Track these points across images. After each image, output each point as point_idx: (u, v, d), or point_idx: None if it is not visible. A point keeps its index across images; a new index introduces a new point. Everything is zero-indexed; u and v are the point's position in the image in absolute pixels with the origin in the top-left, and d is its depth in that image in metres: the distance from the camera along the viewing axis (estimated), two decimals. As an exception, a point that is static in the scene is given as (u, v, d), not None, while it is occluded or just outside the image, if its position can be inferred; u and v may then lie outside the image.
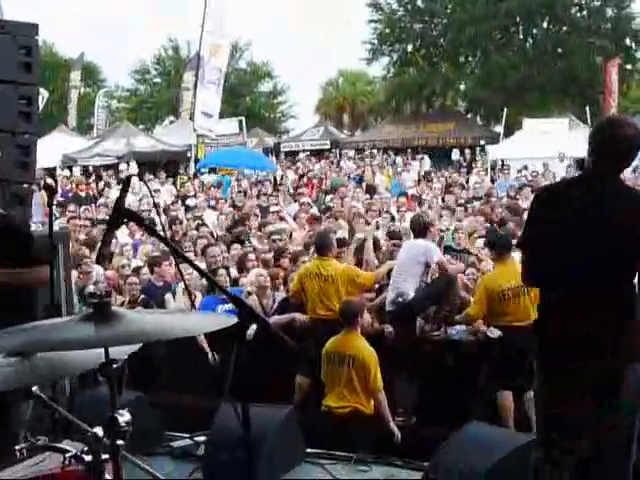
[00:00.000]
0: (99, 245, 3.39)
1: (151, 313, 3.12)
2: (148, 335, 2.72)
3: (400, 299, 9.09)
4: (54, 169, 29.16)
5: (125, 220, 2.97)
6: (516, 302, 8.30)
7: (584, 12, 47.79)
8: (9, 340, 2.77)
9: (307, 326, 9.32)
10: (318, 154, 36.15)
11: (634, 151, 4.24)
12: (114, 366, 2.81)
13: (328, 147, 39.06)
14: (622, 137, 4.18)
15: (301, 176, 25.86)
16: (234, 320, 2.78)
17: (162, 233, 3.65)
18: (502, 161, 28.08)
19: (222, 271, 10.64)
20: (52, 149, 29.71)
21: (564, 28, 47.64)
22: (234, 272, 11.30)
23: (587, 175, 4.46)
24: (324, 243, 9.50)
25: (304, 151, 37.19)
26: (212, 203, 18.80)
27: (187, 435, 7.27)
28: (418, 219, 10.17)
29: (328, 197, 18.99)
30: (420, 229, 9.73)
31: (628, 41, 47.58)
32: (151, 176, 26.31)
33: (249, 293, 10.26)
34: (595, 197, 4.16)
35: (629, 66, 47.31)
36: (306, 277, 9.31)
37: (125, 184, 3.01)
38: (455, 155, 35.03)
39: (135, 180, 25.18)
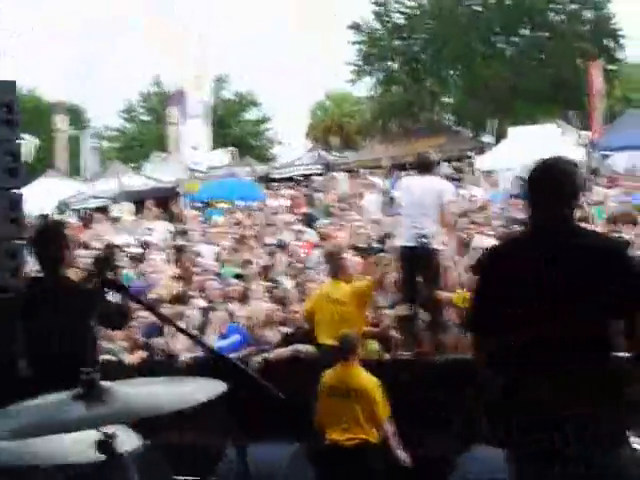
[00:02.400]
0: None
1: (141, 384, 3.06)
2: (139, 412, 2.68)
3: (424, 239, 9.19)
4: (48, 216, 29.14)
5: (111, 291, 2.95)
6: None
7: (562, 16, 48.06)
8: (3, 424, 2.74)
9: (313, 357, 9.32)
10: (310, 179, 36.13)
11: (578, 189, 4.25)
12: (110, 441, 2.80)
13: (320, 171, 39.05)
14: (563, 178, 4.18)
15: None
16: (224, 387, 2.76)
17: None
18: (489, 172, 28.07)
19: (220, 307, 10.67)
20: (43, 195, 29.75)
21: (544, 34, 47.92)
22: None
23: (537, 224, 4.31)
24: (336, 265, 9.59)
25: (296, 177, 37.15)
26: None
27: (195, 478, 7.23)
28: (424, 156, 10.40)
29: (323, 221, 18.99)
30: (426, 165, 9.96)
31: (608, 42, 47.85)
32: (141, 215, 26.27)
33: (250, 327, 10.29)
34: (549, 247, 4.10)
35: (611, 66, 47.56)
36: (320, 299, 9.36)
37: (107, 256, 2.99)
38: (445, 169, 35.01)
39: (128, 218, 25.34)
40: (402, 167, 34.14)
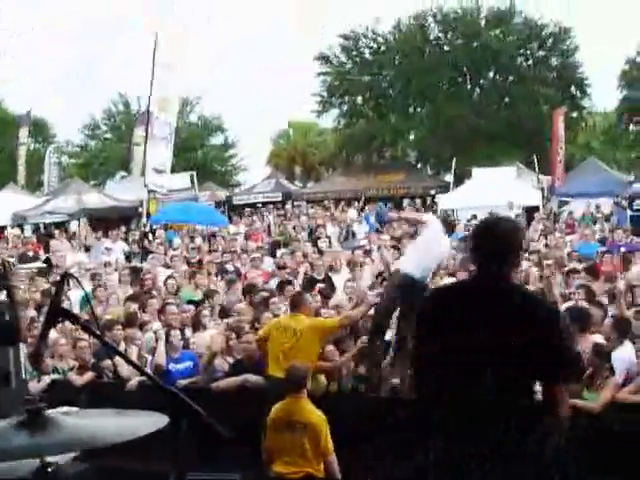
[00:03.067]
0: (35, 344, 3.33)
1: (86, 416, 3.04)
2: (82, 443, 2.66)
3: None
4: (4, 228, 28.96)
5: (61, 319, 2.93)
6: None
7: (530, 62, 48.76)
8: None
9: (262, 388, 9.29)
10: (270, 206, 36.17)
11: (517, 248, 4.32)
12: (49, 470, 2.77)
13: (280, 199, 39.08)
14: (503, 237, 4.27)
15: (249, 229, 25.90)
16: (163, 422, 2.76)
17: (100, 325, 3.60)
18: (453, 211, 28.22)
19: (176, 332, 10.60)
20: (1, 207, 29.51)
21: (510, 78, 48.58)
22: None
23: (476, 279, 4.44)
24: (297, 299, 9.62)
25: (256, 204, 37.17)
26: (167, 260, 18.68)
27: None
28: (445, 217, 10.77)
29: (279, 252, 18.97)
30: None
31: (573, 89, 48.58)
32: (100, 233, 26.14)
33: (204, 358, 10.25)
34: (485, 303, 4.20)
35: (575, 114, 48.26)
36: (275, 329, 9.36)
37: (61, 283, 2.98)
38: (406, 205, 35.22)
39: (90, 239, 25.18)
40: (368, 200, 34.44)
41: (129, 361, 3.19)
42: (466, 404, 4.11)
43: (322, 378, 9.35)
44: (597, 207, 26.76)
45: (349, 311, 10.02)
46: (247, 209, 34.76)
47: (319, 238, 21.07)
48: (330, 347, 9.64)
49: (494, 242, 4.26)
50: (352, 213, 29.63)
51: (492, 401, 4.05)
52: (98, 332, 3.26)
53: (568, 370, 4.23)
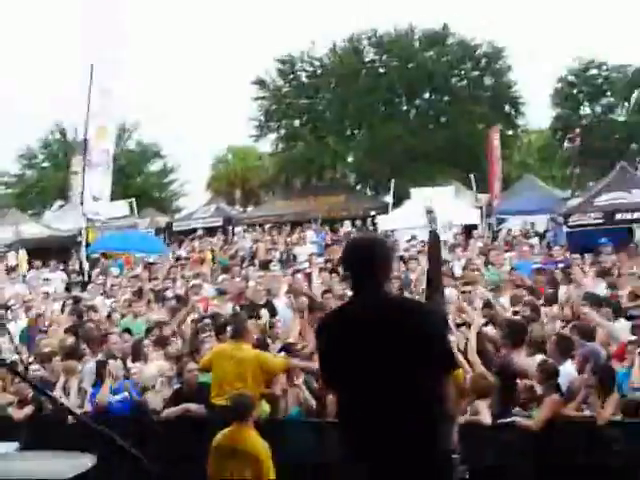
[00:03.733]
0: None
1: (16, 458, 3.01)
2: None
3: None
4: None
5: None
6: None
7: (464, 81, 49.37)
8: None
9: (203, 416, 9.24)
10: (211, 232, 36.05)
11: (387, 261, 4.53)
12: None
13: (220, 224, 38.98)
14: (371, 254, 4.47)
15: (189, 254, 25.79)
16: (89, 464, 2.77)
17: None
18: (392, 231, 28.33)
19: (116, 362, 10.52)
20: None
21: (446, 98, 49.13)
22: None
23: (353, 298, 4.65)
24: (240, 327, 9.55)
25: (196, 229, 37.03)
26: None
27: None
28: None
29: (220, 277, 18.90)
30: None
31: (507, 108, 49.30)
32: (39, 263, 25.88)
33: (145, 389, 10.16)
34: (369, 315, 4.38)
35: (510, 132, 48.97)
36: (219, 356, 9.30)
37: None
38: (346, 227, 35.36)
39: (25, 269, 24.88)
40: (307, 223, 34.50)
41: (55, 402, 3.17)
42: (372, 419, 4.30)
43: (265, 406, 9.30)
44: (532, 224, 27.13)
45: (295, 361, 9.83)
46: (188, 235, 34.64)
47: (266, 261, 21.11)
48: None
49: (362, 259, 4.46)
50: (309, 234, 29.68)
51: (395, 409, 4.26)
52: (23, 373, 3.23)
53: (448, 363, 4.43)
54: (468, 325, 9.71)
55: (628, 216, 21.51)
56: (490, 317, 10.77)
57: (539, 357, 8.81)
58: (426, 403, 4.28)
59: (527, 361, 8.78)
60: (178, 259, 24.73)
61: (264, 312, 13.38)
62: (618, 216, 21.38)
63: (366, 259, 4.45)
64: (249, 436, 7.79)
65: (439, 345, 4.36)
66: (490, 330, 10.15)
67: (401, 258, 19.35)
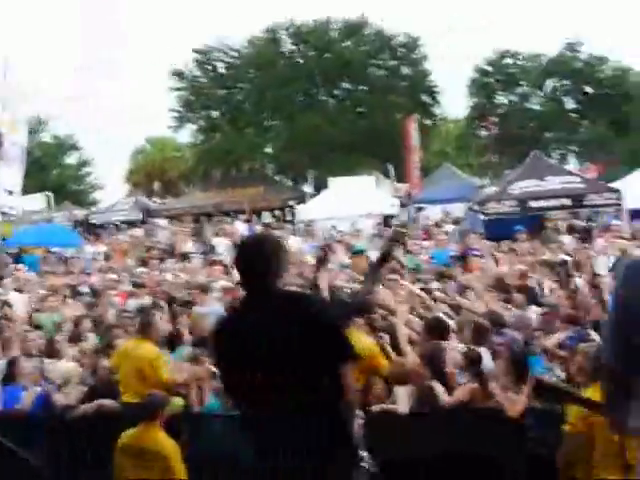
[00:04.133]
0: None
1: None
2: None
3: None
4: None
5: None
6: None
7: (381, 71, 49.65)
8: None
9: (117, 412, 9.10)
10: (130, 225, 35.62)
11: (278, 260, 4.52)
12: None
13: (140, 217, 38.58)
14: (262, 253, 4.49)
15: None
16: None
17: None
18: (311, 221, 28.30)
19: (30, 360, 10.31)
20: None
21: (364, 88, 49.33)
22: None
23: (249, 296, 4.64)
24: (143, 323, 9.37)
25: (114, 222, 36.59)
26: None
27: None
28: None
29: (138, 270, 18.68)
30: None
31: (425, 97, 49.74)
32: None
33: (59, 386, 9.97)
34: (262, 314, 4.40)
35: (428, 121, 49.39)
36: (122, 354, 9.16)
37: None
38: (266, 218, 35.31)
39: None
40: (226, 214, 34.32)
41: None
42: (271, 416, 4.33)
43: (179, 400, 9.16)
44: (447, 213, 27.39)
45: (181, 377, 9.56)
46: (106, 228, 34.23)
47: (185, 254, 20.95)
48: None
49: (253, 258, 4.48)
50: (240, 226, 29.48)
51: (294, 404, 4.27)
52: None
53: (344, 353, 4.40)
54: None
55: (542, 204, 21.82)
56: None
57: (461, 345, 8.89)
58: (325, 395, 4.29)
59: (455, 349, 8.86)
60: (96, 252, 24.40)
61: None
62: (532, 204, 21.68)
63: (257, 259, 4.45)
64: (157, 436, 7.67)
65: (334, 336, 4.37)
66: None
67: (320, 248, 19.30)
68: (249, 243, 4.84)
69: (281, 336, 4.28)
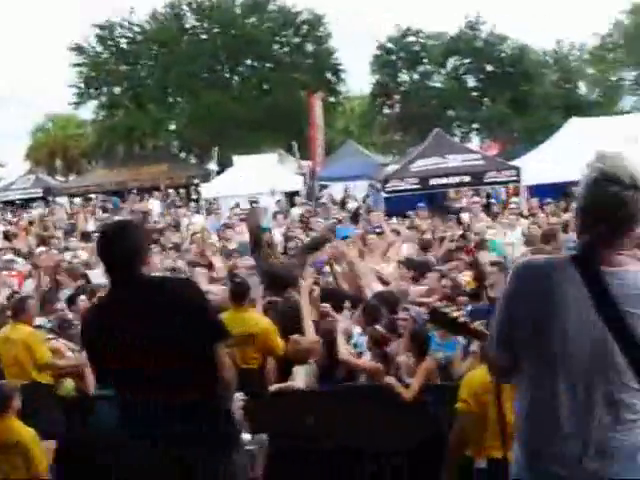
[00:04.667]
0: None
1: None
2: None
3: None
4: None
5: None
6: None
7: (286, 48, 49.63)
8: None
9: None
10: (30, 202, 34.95)
11: (141, 245, 4.50)
12: None
13: (40, 195, 37.87)
14: (124, 240, 4.46)
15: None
16: None
17: None
18: (215, 199, 28.18)
19: None
20: None
21: (268, 65, 49.24)
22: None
23: (115, 285, 4.62)
24: (21, 307, 9.10)
25: (14, 201, 35.90)
26: None
27: None
28: None
29: (38, 250, 18.32)
30: None
31: (329, 75, 49.87)
32: None
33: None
34: (131, 301, 4.41)
35: (332, 99, 49.55)
36: (2, 341, 8.90)
37: None
38: (171, 196, 34.98)
39: None
40: (129, 192, 33.95)
41: None
42: (149, 399, 4.33)
43: (69, 383, 8.89)
44: (346, 190, 27.50)
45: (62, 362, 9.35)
46: (6, 206, 33.53)
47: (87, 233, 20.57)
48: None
49: (115, 246, 4.44)
50: (154, 204, 29.18)
51: (171, 386, 4.30)
52: None
53: (217, 333, 4.45)
54: None
55: (443, 181, 22.15)
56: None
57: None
58: (200, 378, 4.33)
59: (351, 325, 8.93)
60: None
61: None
62: (433, 181, 21.98)
63: (120, 247, 4.42)
64: (12, 427, 7.50)
65: (203, 317, 4.40)
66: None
67: (225, 225, 19.27)
68: (111, 231, 4.74)
69: (150, 322, 4.28)
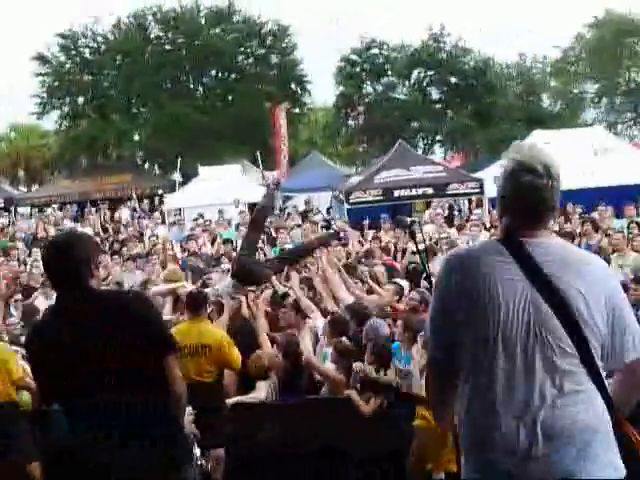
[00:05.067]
0: None
1: None
2: None
3: None
4: None
5: None
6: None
7: (250, 59, 49.66)
8: None
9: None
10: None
11: (90, 258, 4.42)
12: None
13: (2, 205, 37.52)
14: (72, 253, 4.37)
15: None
16: None
17: None
18: (180, 210, 28.11)
19: None
20: None
21: (232, 75, 49.23)
22: None
23: (62, 297, 4.52)
24: None
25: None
26: None
27: None
28: None
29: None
30: None
31: (294, 86, 49.91)
32: None
33: None
34: (79, 314, 4.32)
35: (297, 110, 49.58)
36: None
37: None
38: (142, 204, 34.72)
39: None
40: (93, 203, 33.71)
41: None
42: (98, 412, 4.25)
43: (26, 395, 8.79)
44: (306, 202, 27.45)
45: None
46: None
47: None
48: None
49: (63, 259, 4.36)
50: (125, 212, 29.06)
51: (119, 399, 4.21)
52: None
53: (165, 346, 4.38)
54: None
55: (407, 192, 22.25)
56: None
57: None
58: (149, 391, 4.26)
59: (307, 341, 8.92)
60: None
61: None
62: (397, 193, 22.08)
63: (67, 259, 4.34)
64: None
65: (153, 329, 4.36)
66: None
67: (188, 237, 19.25)
68: (59, 243, 4.67)
69: (97, 336, 4.21)
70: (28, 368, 8.89)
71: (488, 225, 18.59)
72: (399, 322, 8.41)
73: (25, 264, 16.60)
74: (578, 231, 15.53)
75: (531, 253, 3.24)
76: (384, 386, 4.01)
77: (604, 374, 3.21)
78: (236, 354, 8.17)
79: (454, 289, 3.29)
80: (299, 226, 20.40)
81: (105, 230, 24.08)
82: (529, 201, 3.27)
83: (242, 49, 49.29)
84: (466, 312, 3.23)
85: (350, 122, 52.03)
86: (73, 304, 4.37)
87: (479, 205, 22.86)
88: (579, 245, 14.03)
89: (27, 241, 22.65)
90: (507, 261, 3.24)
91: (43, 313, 5.84)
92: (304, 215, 24.32)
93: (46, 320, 4.78)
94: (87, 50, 49.16)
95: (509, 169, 3.32)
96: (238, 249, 12.19)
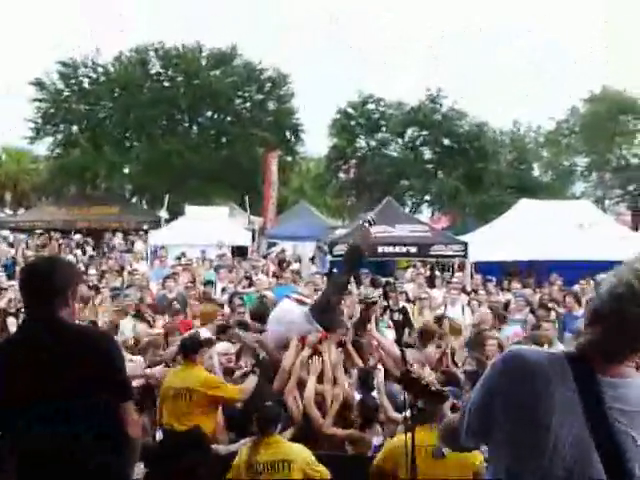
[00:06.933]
0: None
1: None
2: None
3: None
4: None
5: None
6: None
7: (247, 104, 49.89)
8: None
9: None
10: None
11: (65, 286, 4.35)
12: None
13: (-17, 227, 37.30)
14: (49, 279, 4.30)
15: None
16: None
17: None
18: (163, 247, 27.99)
19: None
20: None
21: (228, 118, 49.40)
22: None
23: (31, 322, 4.45)
24: None
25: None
26: None
27: None
28: None
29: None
30: None
31: (288, 134, 50.13)
32: None
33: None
34: (42, 343, 4.23)
35: (289, 158, 49.79)
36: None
37: None
38: (118, 239, 34.66)
39: None
40: (78, 232, 33.63)
41: None
42: (48, 451, 4.15)
43: None
44: (282, 251, 27.34)
45: None
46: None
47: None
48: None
49: (38, 284, 4.31)
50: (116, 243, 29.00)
51: (71, 439, 4.15)
52: None
53: (122, 391, 4.34)
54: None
55: (391, 249, 22.21)
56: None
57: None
58: (103, 432, 4.19)
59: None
60: None
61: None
62: (381, 249, 22.02)
63: (43, 284, 4.27)
64: None
65: (112, 373, 4.29)
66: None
67: (167, 276, 19.07)
68: (38, 267, 4.60)
69: (62, 367, 4.14)
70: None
71: (469, 289, 18.58)
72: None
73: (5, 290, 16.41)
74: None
75: (600, 394, 2.88)
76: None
77: None
78: (232, 389, 8.21)
79: (504, 397, 3.01)
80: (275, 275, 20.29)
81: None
82: (627, 335, 2.86)
83: (240, 93, 49.54)
84: (510, 425, 2.97)
85: (341, 175, 52.23)
86: (35, 333, 4.28)
87: (461, 269, 22.85)
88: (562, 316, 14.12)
89: (7, 265, 22.49)
90: (571, 391, 2.90)
91: (13, 334, 5.77)
92: (280, 263, 24.18)
93: (8, 345, 4.66)
94: (86, 80, 49.18)
95: (619, 291, 2.85)
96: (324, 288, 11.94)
